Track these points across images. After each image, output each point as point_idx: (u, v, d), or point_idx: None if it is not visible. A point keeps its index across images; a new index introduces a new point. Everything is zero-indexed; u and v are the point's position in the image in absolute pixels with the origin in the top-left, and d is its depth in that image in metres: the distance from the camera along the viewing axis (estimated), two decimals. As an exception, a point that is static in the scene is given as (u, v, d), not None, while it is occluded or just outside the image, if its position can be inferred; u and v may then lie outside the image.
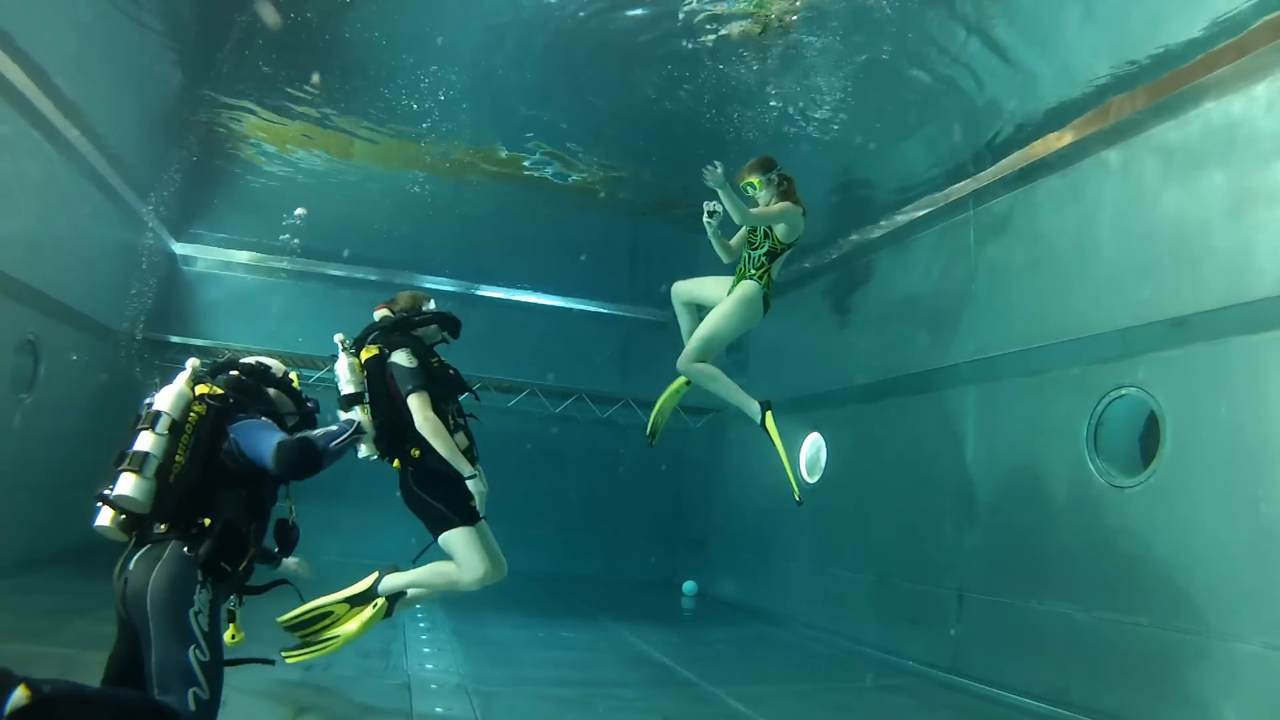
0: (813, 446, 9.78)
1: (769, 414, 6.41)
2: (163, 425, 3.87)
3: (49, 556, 8.07)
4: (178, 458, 3.86)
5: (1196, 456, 5.34)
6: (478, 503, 5.26)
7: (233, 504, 3.97)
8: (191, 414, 3.97)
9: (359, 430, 4.32)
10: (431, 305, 5.60)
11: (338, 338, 5.41)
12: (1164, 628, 5.31)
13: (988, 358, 7.12)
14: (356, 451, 5.17)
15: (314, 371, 9.43)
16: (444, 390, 5.39)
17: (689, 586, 11.98)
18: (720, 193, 5.76)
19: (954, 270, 7.65)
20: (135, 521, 3.85)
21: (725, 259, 6.53)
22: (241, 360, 4.48)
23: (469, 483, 5.20)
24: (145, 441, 3.83)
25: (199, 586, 3.75)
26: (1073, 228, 6.44)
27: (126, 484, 3.74)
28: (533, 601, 10.02)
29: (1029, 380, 6.70)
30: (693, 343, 6.52)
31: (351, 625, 5.55)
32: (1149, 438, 5.89)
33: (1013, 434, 6.81)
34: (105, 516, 3.85)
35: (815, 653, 8.09)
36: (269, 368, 4.50)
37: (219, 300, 11.58)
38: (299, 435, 3.99)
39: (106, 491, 3.80)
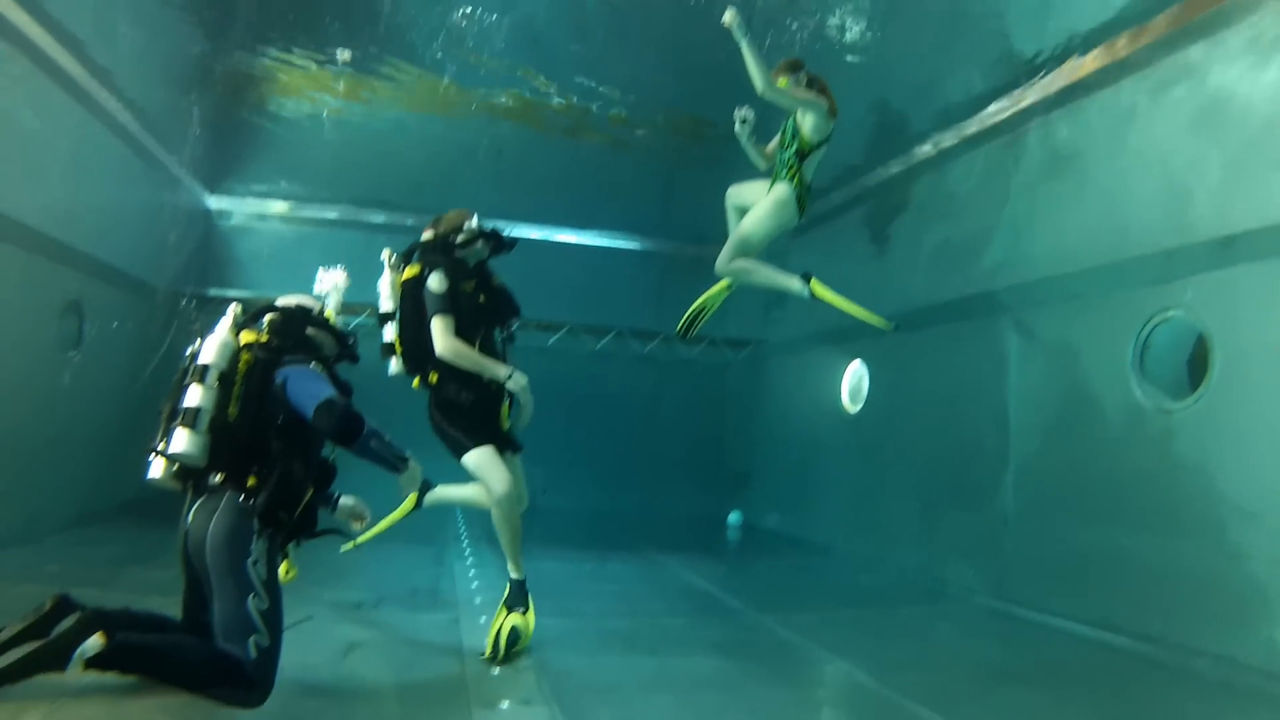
0: (854, 376, 9.76)
1: (814, 282, 6.30)
2: (211, 378, 3.92)
3: (107, 509, 8.29)
4: (230, 409, 3.93)
5: (1246, 379, 5.26)
6: (522, 399, 5.24)
7: (286, 451, 4.03)
8: (240, 363, 4.01)
9: (403, 466, 4.28)
10: (474, 223, 5.40)
11: (385, 253, 5.44)
12: (1211, 552, 5.27)
13: (1029, 283, 7.02)
14: (388, 368, 5.34)
15: (353, 318, 9.51)
16: (477, 317, 5.30)
17: (734, 518, 12.06)
18: (741, 44, 5.56)
19: (993, 195, 7.52)
20: (189, 472, 3.93)
21: (762, 165, 6.45)
22: (279, 302, 4.49)
23: (508, 383, 5.17)
24: (195, 396, 3.88)
25: (255, 536, 3.85)
26: (1115, 148, 6.28)
27: (181, 440, 3.82)
28: (579, 537, 10.13)
29: (1072, 305, 6.60)
30: (728, 245, 6.46)
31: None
32: (1196, 361, 5.81)
33: (1055, 360, 6.73)
34: (158, 468, 3.93)
35: (860, 581, 8.14)
36: (308, 308, 4.53)
37: (256, 252, 11.68)
38: (349, 405, 3.98)
39: (160, 446, 3.87)
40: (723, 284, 6.85)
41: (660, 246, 13.11)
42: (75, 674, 3.17)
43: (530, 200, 12.05)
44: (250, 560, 3.80)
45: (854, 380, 9.78)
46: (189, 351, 4.11)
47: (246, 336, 4.13)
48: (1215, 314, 5.48)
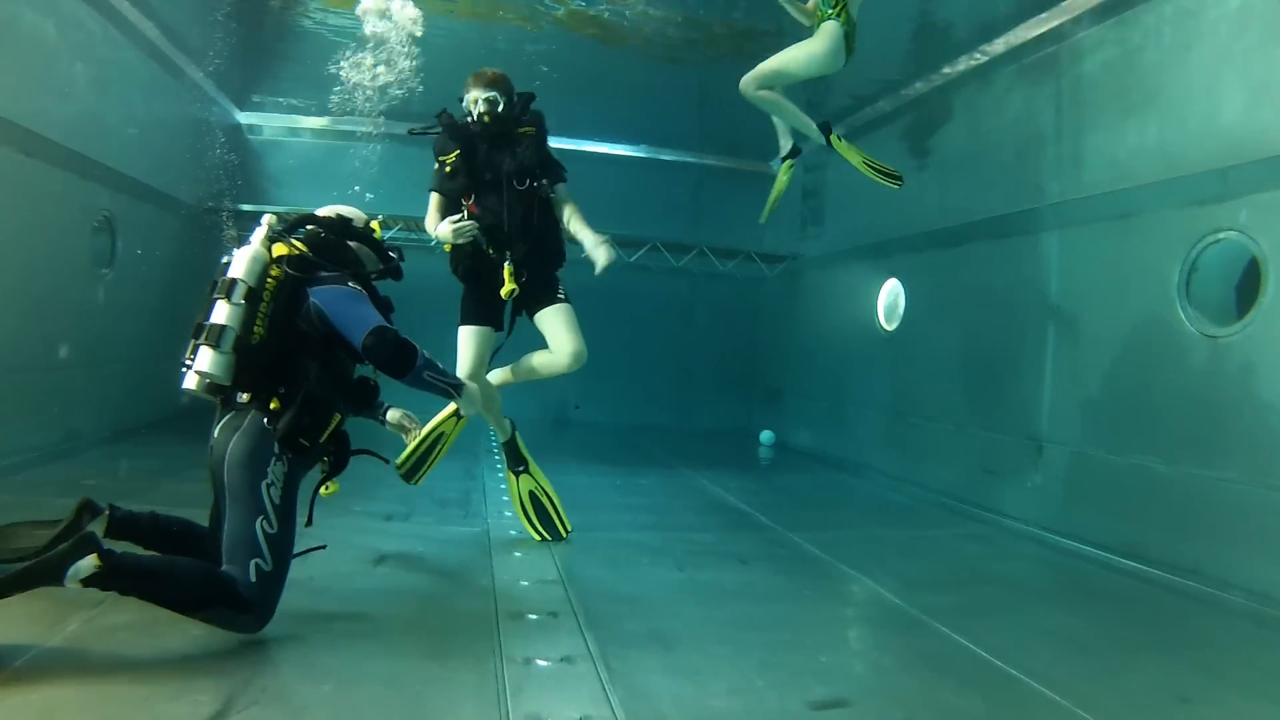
0: (890, 293, 9.63)
1: (833, 137, 6.25)
2: (239, 294, 3.78)
3: (142, 423, 8.43)
4: (256, 329, 3.80)
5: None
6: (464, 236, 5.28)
7: (314, 374, 3.91)
8: (269, 280, 3.85)
9: (456, 391, 4.27)
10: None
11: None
12: (1252, 484, 5.17)
13: (1074, 200, 6.81)
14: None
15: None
16: (466, 184, 5.42)
17: (766, 436, 12.05)
18: None
19: (1038, 109, 7.28)
20: (218, 388, 3.84)
21: (806, 22, 6.24)
22: (319, 213, 4.31)
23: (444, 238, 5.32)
24: (221, 313, 3.76)
25: (274, 459, 3.77)
26: (1168, 60, 6.01)
27: (205, 359, 3.73)
28: (610, 451, 10.17)
29: (1117, 224, 6.40)
30: (761, 67, 6.19)
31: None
32: (1246, 286, 5.64)
33: (1098, 280, 6.56)
34: (191, 381, 3.86)
35: (891, 501, 8.13)
36: (349, 219, 4.35)
37: (287, 167, 11.67)
38: (398, 334, 3.88)
39: (188, 361, 3.81)
40: (785, 168, 6.65)
41: (696, 159, 12.93)
42: (73, 589, 3.17)
43: (565, 111, 11.83)
44: (265, 483, 3.72)
45: (890, 298, 9.66)
46: (223, 262, 3.97)
47: (280, 249, 3.96)
48: (1271, 236, 5.27)
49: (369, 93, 10.51)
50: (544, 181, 5.45)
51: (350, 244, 4.26)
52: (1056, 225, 6.99)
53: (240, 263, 3.85)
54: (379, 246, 4.40)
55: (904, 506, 7.87)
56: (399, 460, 5.65)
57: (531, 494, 5.79)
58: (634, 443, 10.99)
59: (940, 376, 8.43)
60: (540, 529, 5.75)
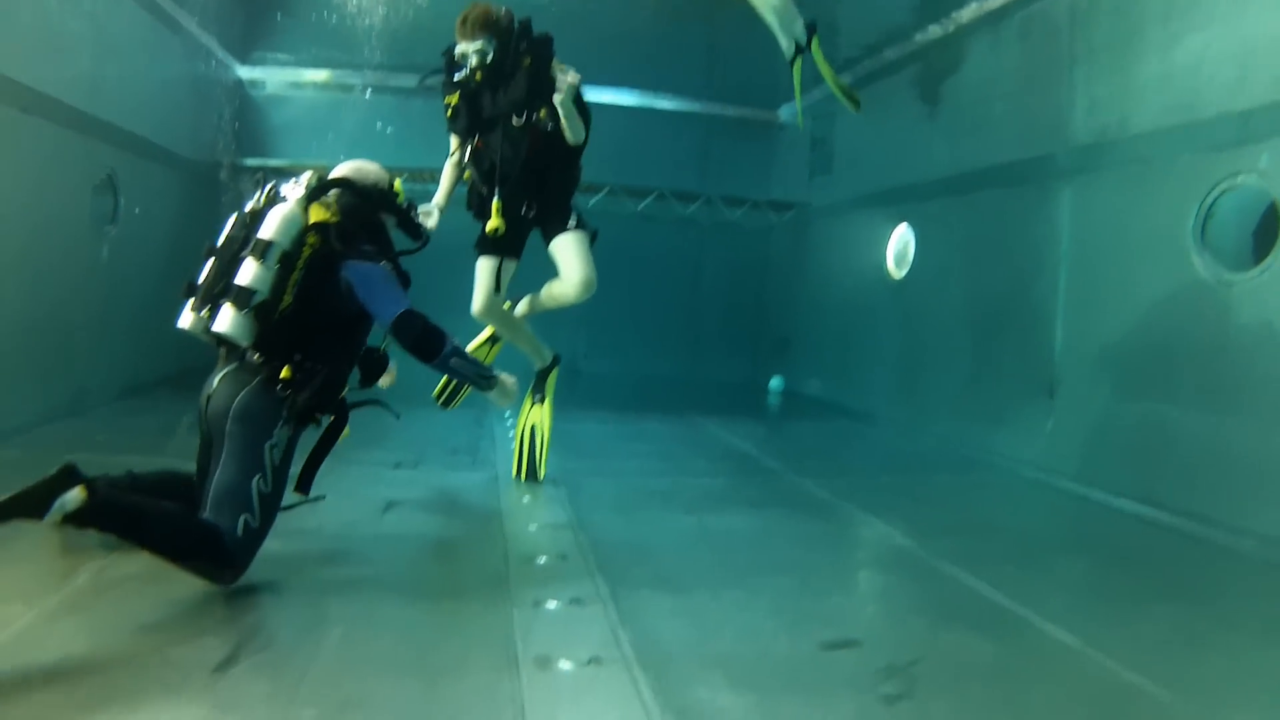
0: (900, 240, 9.55)
1: (815, 39, 6.09)
2: (273, 257, 3.64)
3: (151, 381, 8.43)
4: (285, 297, 3.68)
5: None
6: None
7: (334, 349, 3.88)
8: (305, 247, 3.71)
9: (488, 381, 4.27)
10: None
11: None
12: (1267, 431, 5.11)
13: (1087, 146, 6.69)
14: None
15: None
16: (469, 124, 5.39)
17: (775, 383, 12.03)
18: None
19: (1049, 53, 7.12)
20: (226, 341, 3.74)
21: None
22: (357, 179, 4.11)
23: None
24: (250, 273, 3.63)
25: (281, 423, 3.72)
26: (1183, 1, 5.88)
27: (225, 319, 3.61)
28: (619, 400, 10.16)
29: (1132, 170, 6.28)
30: None
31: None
32: (1263, 232, 5.54)
33: (1111, 227, 6.45)
34: (187, 320, 3.78)
35: (902, 448, 8.11)
36: (384, 190, 4.19)
37: (291, 121, 11.53)
38: (427, 320, 3.86)
39: (204, 312, 3.70)
40: (821, 61, 6.40)
41: (704, 108, 12.77)
42: (53, 522, 3.05)
43: (571, 59, 11.72)
44: (270, 443, 3.67)
45: (900, 245, 9.57)
46: (248, 208, 3.86)
47: (316, 213, 3.81)
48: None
49: (372, 42, 10.45)
50: (543, 113, 5.24)
51: (382, 215, 4.17)
52: (1068, 172, 6.88)
53: (275, 222, 3.68)
54: (413, 227, 4.30)
55: (915, 453, 7.85)
56: (435, 392, 5.91)
57: (532, 429, 5.82)
58: (643, 391, 10.99)
59: (951, 324, 8.37)
60: (522, 464, 5.83)
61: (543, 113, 5.20)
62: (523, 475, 5.79)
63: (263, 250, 3.64)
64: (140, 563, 3.61)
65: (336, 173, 4.13)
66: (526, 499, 5.48)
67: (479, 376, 4.26)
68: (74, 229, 7.27)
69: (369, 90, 11.50)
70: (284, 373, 3.72)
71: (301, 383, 3.74)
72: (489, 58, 5.14)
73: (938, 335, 8.59)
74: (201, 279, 3.81)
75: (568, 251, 5.45)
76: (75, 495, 3.06)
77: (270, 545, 3.77)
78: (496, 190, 5.30)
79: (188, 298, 3.82)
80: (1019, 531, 5.48)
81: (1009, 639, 3.59)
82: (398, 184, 4.29)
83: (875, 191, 9.89)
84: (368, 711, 2.73)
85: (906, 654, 3.34)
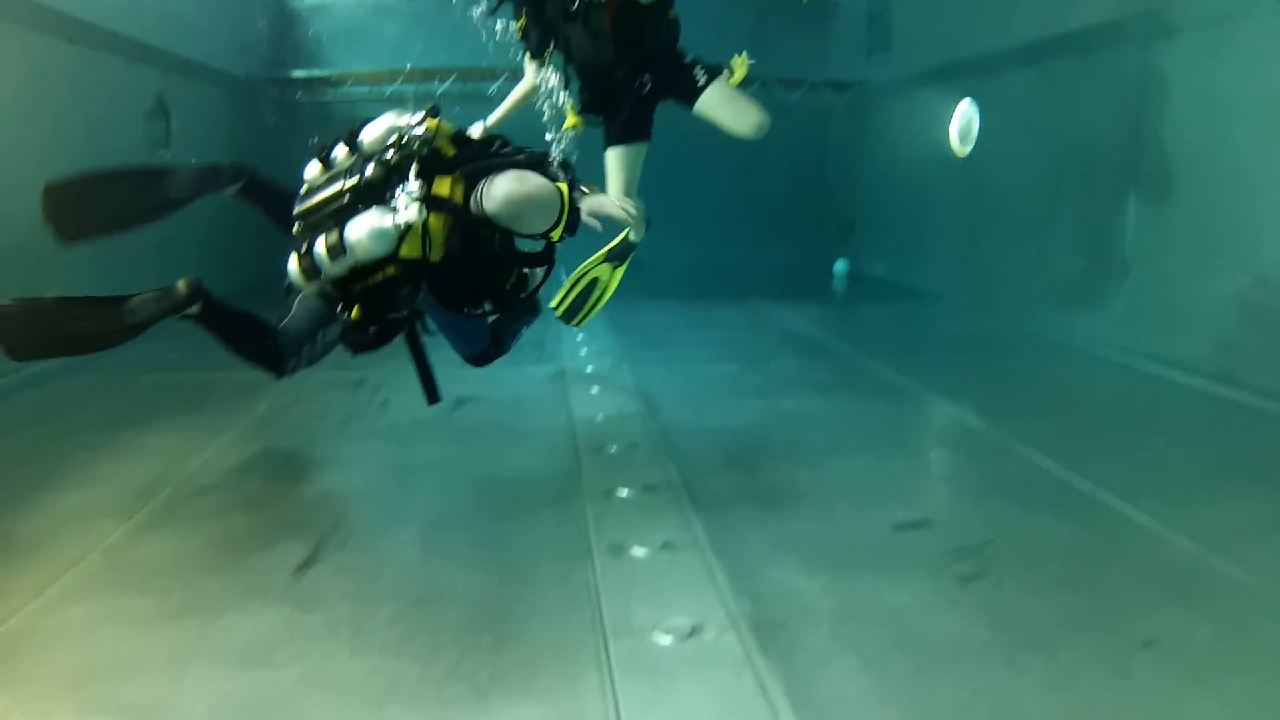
0: (964, 116, 9.26)
1: None
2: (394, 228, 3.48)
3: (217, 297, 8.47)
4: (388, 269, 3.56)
5: None
6: None
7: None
8: (435, 229, 3.53)
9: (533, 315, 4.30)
10: None
11: None
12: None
13: (1160, 8, 6.27)
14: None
15: (438, 85, 9.62)
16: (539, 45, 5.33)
17: (840, 266, 11.86)
18: None
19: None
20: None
21: None
22: (493, 144, 3.89)
23: None
24: (361, 230, 3.49)
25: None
26: None
27: (320, 252, 3.55)
28: (683, 287, 10.12)
29: (1212, 30, 5.89)
30: None
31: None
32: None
33: (1190, 93, 6.08)
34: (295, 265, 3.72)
35: (971, 329, 7.97)
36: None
37: (333, 30, 11.33)
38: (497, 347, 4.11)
39: (303, 248, 3.64)
40: None
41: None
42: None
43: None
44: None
45: (963, 121, 9.27)
46: (365, 138, 3.68)
47: (440, 187, 3.55)
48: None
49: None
50: None
51: None
52: (1144, 36, 6.52)
53: (407, 209, 3.49)
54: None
55: (984, 334, 7.71)
56: (553, 303, 5.94)
57: (594, 280, 5.84)
58: (707, 279, 10.92)
59: (1018, 201, 8.12)
60: (566, 303, 5.95)
61: None
62: (559, 312, 5.84)
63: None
64: (218, 474, 3.88)
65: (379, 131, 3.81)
66: (594, 389, 5.48)
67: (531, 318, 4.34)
68: (130, 155, 7.21)
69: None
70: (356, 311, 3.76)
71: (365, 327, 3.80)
72: None
73: (1005, 213, 8.35)
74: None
75: (717, 104, 5.47)
76: (195, 309, 3.60)
77: (345, 448, 3.85)
78: (569, 86, 5.24)
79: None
80: (1092, 412, 5.37)
81: (1084, 520, 3.54)
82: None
83: (936, 67, 9.56)
84: (445, 604, 2.78)
85: (980, 534, 3.32)
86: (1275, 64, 5.38)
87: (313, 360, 4.06)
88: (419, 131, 3.64)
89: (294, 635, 2.59)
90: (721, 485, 3.84)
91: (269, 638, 2.57)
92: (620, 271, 6.00)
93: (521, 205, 3.52)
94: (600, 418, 4.88)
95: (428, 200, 3.48)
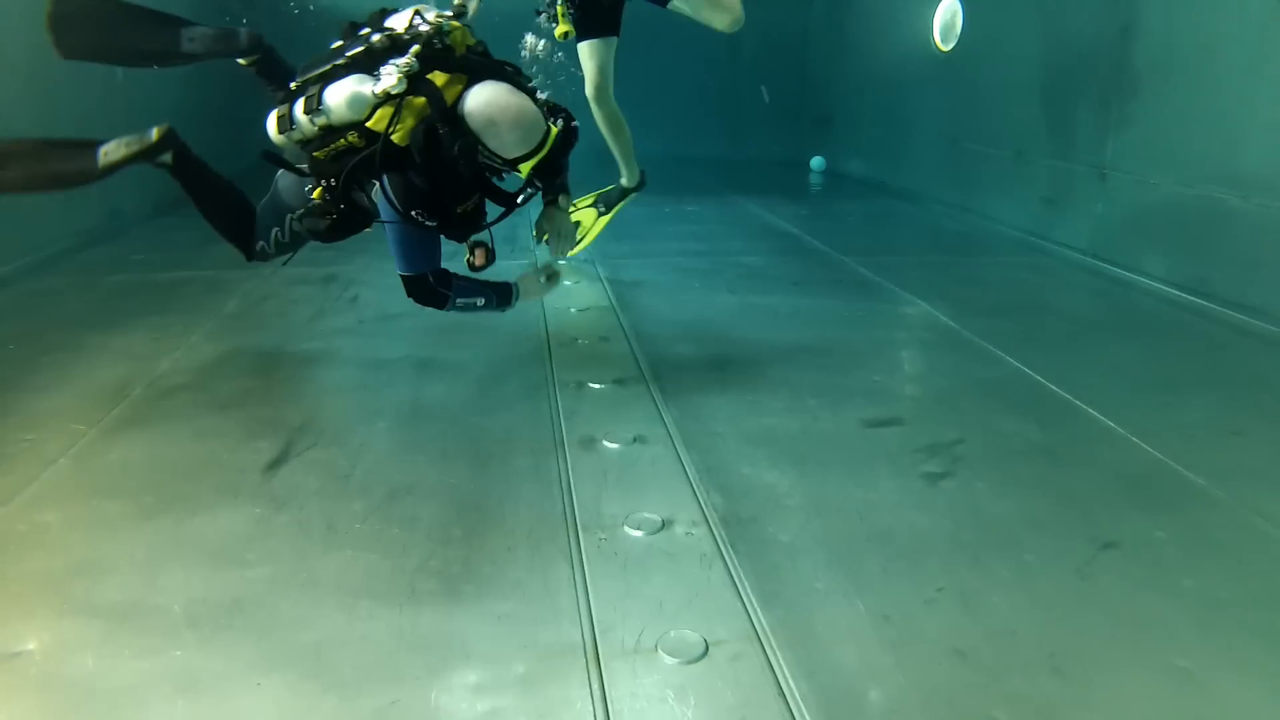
0: (947, 11, 9.08)
1: None
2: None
3: (182, 196, 8.24)
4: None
5: None
6: None
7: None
8: (416, 133, 3.31)
9: (508, 305, 3.94)
10: None
11: None
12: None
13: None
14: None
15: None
16: None
17: (817, 162, 11.77)
18: None
19: None
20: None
21: None
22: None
23: None
24: (343, 91, 3.37)
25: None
26: None
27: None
28: (656, 181, 9.86)
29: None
30: None
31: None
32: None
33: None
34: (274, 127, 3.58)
35: (946, 228, 7.95)
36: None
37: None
38: (434, 284, 3.71)
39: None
40: None
41: None
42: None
43: None
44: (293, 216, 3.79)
45: (946, 16, 9.11)
46: (389, 22, 3.54)
47: (436, 78, 3.36)
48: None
49: None
50: None
51: None
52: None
53: (340, 93, 3.38)
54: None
55: (960, 234, 7.69)
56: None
57: (578, 225, 5.75)
58: (682, 172, 10.77)
59: (1000, 100, 8.01)
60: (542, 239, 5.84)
61: None
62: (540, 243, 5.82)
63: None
64: (188, 373, 3.83)
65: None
66: (567, 282, 5.44)
67: (498, 304, 3.93)
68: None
69: None
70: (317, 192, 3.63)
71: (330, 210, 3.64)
72: None
73: (986, 112, 8.25)
74: None
75: (695, 0, 5.41)
76: (167, 157, 3.75)
77: (315, 344, 3.81)
78: None
79: None
80: (1066, 316, 5.38)
81: (1054, 421, 3.57)
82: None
83: (924, -45, 9.37)
84: (417, 497, 2.79)
85: (949, 433, 3.35)
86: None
87: (281, 249, 3.99)
88: (438, 22, 3.50)
89: (266, 533, 2.59)
90: (692, 380, 3.85)
91: (242, 536, 2.57)
92: (605, 220, 5.89)
93: (500, 113, 3.28)
94: (572, 311, 4.87)
95: (414, 79, 3.33)
